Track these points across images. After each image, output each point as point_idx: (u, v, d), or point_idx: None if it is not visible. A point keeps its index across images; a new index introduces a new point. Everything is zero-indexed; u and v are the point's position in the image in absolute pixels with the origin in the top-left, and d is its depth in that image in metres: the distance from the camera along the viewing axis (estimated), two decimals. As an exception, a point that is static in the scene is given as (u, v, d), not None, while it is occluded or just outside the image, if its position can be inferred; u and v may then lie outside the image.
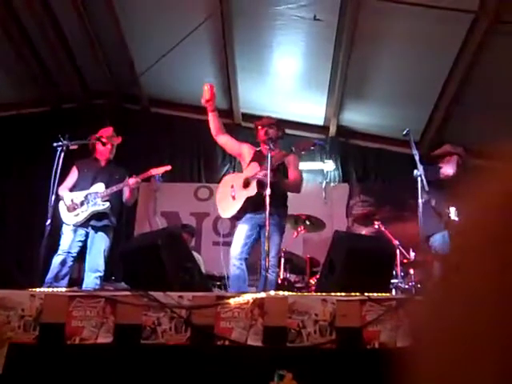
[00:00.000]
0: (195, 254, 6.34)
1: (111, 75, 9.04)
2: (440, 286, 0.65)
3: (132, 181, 5.86)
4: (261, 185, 5.06)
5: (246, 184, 5.24)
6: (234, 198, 5.33)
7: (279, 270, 6.64)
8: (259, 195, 4.97)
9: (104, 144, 6.06)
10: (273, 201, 4.78)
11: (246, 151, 5.64)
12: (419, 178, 4.95)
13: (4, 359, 3.04)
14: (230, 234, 8.33)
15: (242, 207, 5.22)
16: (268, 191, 4.69)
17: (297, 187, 5.51)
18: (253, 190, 5.15)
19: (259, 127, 5.65)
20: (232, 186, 5.40)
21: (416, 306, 0.71)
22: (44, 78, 8.96)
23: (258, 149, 5.65)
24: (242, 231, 5.23)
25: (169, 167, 6.15)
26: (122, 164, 6.34)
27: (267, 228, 4.57)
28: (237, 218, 5.37)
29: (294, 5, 6.98)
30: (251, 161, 5.48)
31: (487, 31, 6.61)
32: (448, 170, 5.76)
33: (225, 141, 5.70)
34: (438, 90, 7.90)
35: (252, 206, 5.13)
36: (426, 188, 4.98)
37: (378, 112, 8.87)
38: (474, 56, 7.03)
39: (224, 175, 8.46)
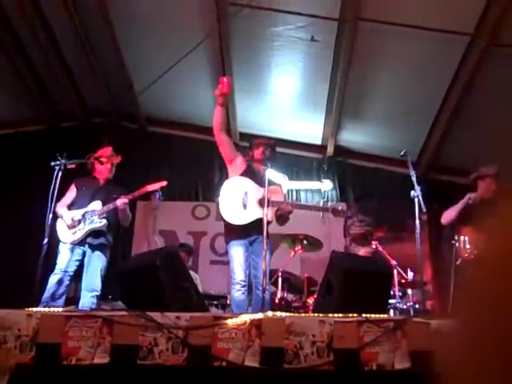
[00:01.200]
0: (192, 273, 6.32)
1: (109, 94, 9.06)
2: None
3: (119, 201, 5.82)
4: (279, 217, 5.25)
5: (263, 204, 5.05)
6: (245, 207, 5.25)
7: (277, 290, 6.64)
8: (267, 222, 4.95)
9: (102, 163, 6.06)
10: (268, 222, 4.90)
11: (239, 161, 5.59)
12: (416, 199, 4.95)
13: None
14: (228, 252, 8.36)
15: (251, 223, 5.16)
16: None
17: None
18: (270, 216, 5.08)
19: (258, 146, 5.68)
20: (246, 194, 5.31)
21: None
22: (42, 97, 8.99)
23: (250, 164, 5.62)
24: (240, 254, 5.19)
25: (164, 183, 6.12)
26: (120, 182, 6.32)
27: (264, 247, 4.60)
28: (234, 233, 5.27)
29: (292, 26, 7.04)
30: (243, 174, 5.45)
31: (483, 53, 6.67)
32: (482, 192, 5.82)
33: (226, 140, 5.54)
34: (436, 110, 7.95)
35: (257, 227, 5.02)
36: (424, 209, 4.99)
37: (376, 132, 8.91)
38: (471, 77, 7.08)
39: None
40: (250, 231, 5.20)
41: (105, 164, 6.10)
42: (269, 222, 4.97)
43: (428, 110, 8.02)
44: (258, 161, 5.55)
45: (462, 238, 5.48)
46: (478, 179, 5.94)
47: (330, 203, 8.76)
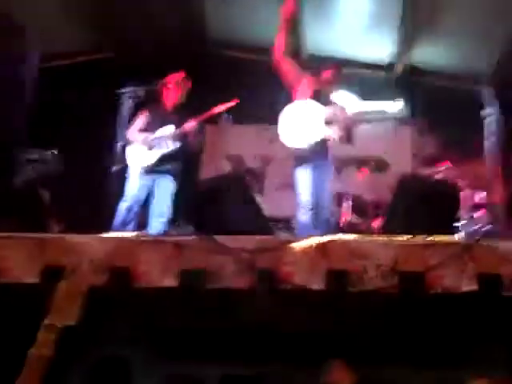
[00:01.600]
0: (259, 197, 6.37)
1: (179, 17, 8.95)
2: None
3: (187, 125, 5.85)
4: (346, 131, 5.15)
5: (329, 122, 5.09)
6: (305, 128, 5.16)
7: (343, 212, 6.64)
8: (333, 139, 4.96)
9: (171, 90, 6.06)
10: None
11: (305, 83, 5.47)
12: (488, 118, 4.78)
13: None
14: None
15: (317, 143, 5.09)
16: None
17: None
18: (336, 133, 5.04)
19: (327, 67, 5.63)
20: (309, 115, 5.22)
21: None
22: (108, 23, 8.97)
23: (317, 86, 5.50)
24: (306, 177, 5.15)
25: (233, 103, 6.08)
26: (189, 107, 6.33)
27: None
28: (301, 156, 5.22)
29: None
30: (311, 96, 5.34)
31: None
32: None
33: (288, 66, 5.45)
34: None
35: (324, 148, 5.01)
36: (495, 128, 4.82)
37: (449, 48, 8.53)
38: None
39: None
40: (315, 153, 5.13)
41: (174, 90, 6.10)
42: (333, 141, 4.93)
43: (505, 22, 7.59)
44: (327, 82, 5.45)
45: None
46: None
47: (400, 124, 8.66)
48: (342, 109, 5.26)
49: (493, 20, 7.55)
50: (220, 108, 6.02)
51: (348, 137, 5.39)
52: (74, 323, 3.10)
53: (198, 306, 3.35)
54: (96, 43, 9.45)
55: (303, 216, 5.09)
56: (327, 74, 5.51)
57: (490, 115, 4.75)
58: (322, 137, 5.06)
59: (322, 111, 5.18)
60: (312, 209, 5.06)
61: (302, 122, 5.19)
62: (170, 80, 6.10)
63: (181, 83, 6.11)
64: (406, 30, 8.15)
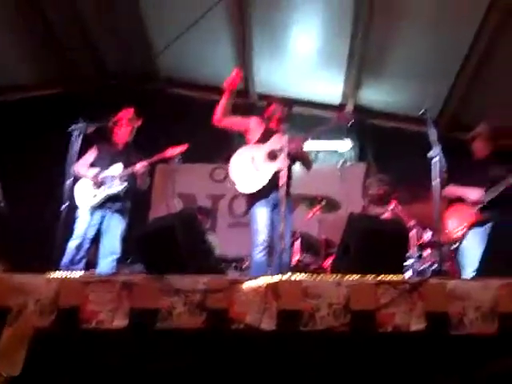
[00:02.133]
0: (210, 236, 6.36)
1: (129, 56, 8.99)
2: None
3: (139, 165, 5.85)
4: (292, 158, 5.13)
5: (273, 156, 5.12)
6: (257, 169, 5.21)
7: (294, 252, 6.66)
8: (288, 169, 4.97)
9: (122, 127, 6.04)
10: (289, 180, 4.93)
11: (254, 125, 5.56)
12: (435, 158, 4.89)
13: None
14: (246, 214, 8.36)
15: (270, 181, 5.07)
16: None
17: (311, 165, 5.62)
18: (282, 163, 4.90)
19: (273, 104, 5.68)
20: (253, 159, 5.28)
21: None
22: (58, 59, 8.93)
23: (267, 125, 5.57)
24: (263, 215, 5.15)
25: (184, 147, 6.10)
26: (138, 145, 6.31)
27: (282, 209, 4.60)
28: (258, 195, 5.22)
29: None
30: (260, 138, 5.43)
31: (509, 4, 6.50)
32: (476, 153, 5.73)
33: (230, 122, 5.53)
34: (459, 65, 7.79)
35: (277, 182, 4.84)
36: (444, 168, 4.93)
37: (396, 90, 8.80)
38: (495, 31, 6.91)
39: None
40: (270, 190, 5.09)
41: (125, 127, 6.08)
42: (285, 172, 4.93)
43: (451, 64, 7.86)
44: (275, 120, 5.51)
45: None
46: (472, 140, 5.81)
47: (348, 163, 8.79)
48: (278, 138, 5.26)
49: (438, 63, 7.81)
50: (172, 152, 6.02)
51: (300, 160, 5.46)
52: (19, 372, 3.01)
53: (149, 346, 3.29)
54: (46, 78, 9.38)
55: (258, 255, 5.07)
56: (275, 115, 5.57)
57: (436, 156, 4.85)
58: (271, 171, 5.07)
59: (264, 148, 5.24)
60: (266, 248, 5.06)
61: (251, 166, 5.27)
62: (121, 117, 6.09)
63: (131, 121, 6.12)
64: (353, 71, 8.34)
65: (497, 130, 5.79)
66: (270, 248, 5.10)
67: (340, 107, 9.40)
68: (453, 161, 5.42)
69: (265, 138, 5.42)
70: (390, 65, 8.24)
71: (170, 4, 7.78)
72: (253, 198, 5.29)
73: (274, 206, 5.12)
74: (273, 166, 5.09)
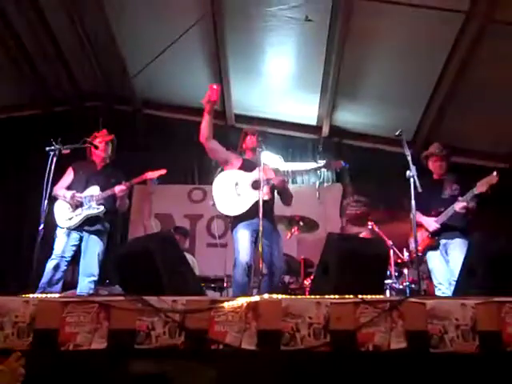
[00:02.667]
0: (189, 256, 6.33)
1: (103, 77, 9.01)
2: None
3: (118, 189, 5.83)
4: (273, 191, 5.24)
5: (257, 186, 5.14)
6: (239, 195, 5.28)
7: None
8: (268, 201, 5.12)
9: (97, 147, 6.03)
10: (272, 208, 5.17)
11: (233, 158, 5.62)
12: (412, 179, 4.93)
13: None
14: (224, 235, 8.36)
15: (250, 209, 5.15)
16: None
17: (291, 201, 5.65)
18: (265, 195, 5.09)
19: (248, 134, 5.71)
20: (237, 184, 5.34)
21: None
22: (35, 81, 8.92)
23: (244, 157, 5.64)
24: (245, 237, 5.18)
25: (164, 171, 6.11)
26: (116, 165, 6.29)
27: (260, 228, 4.65)
28: (239, 218, 5.27)
29: (286, 6, 7.00)
30: (241, 168, 5.49)
31: (478, 31, 6.64)
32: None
33: (215, 146, 5.53)
34: (431, 89, 7.93)
35: (257, 210, 4.89)
36: (419, 189, 4.98)
37: (371, 112, 8.89)
38: (466, 55, 7.06)
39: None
40: (252, 215, 5.08)
41: (103, 148, 6.07)
42: (267, 202, 5.09)
43: (423, 88, 8.01)
44: (251, 149, 5.56)
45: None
46: (426, 158, 5.97)
47: (325, 184, 8.83)
48: (266, 169, 5.31)
49: (411, 87, 7.94)
50: (153, 174, 6.01)
51: (281, 193, 5.52)
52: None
53: (128, 368, 3.24)
54: (23, 100, 9.36)
55: (239, 276, 5.08)
56: (250, 141, 5.62)
57: (414, 175, 4.90)
58: (253, 199, 5.10)
59: (250, 177, 5.28)
60: (246, 268, 5.07)
61: (230, 191, 5.32)
62: (98, 139, 6.09)
63: (109, 142, 6.11)
64: (327, 94, 8.42)
65: (448, 148, 5.91)
66: (250, 269, 5.10)
67: (316, 128, 9.48)
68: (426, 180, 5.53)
69: (245, 168, 5.47)
70: (364, 88, 8.34)
71: (145, 27, 7.81)
72: (234, 221, 5.33)
73: (256, 233, 5.08)
74: (255, 194, 5.11)
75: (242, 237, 5.18)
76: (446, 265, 5.46)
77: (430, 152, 5.91)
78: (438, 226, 5.56)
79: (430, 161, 5.91)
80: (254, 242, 5.18)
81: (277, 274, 5.22)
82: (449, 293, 5.20)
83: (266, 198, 5.12)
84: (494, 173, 5.26)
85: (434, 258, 5.59)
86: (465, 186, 5.58)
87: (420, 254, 5.51)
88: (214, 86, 5.33)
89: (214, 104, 5.40)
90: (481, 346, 3.12)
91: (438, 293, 5.37)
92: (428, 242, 5.63)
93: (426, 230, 5.62)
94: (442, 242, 5.55)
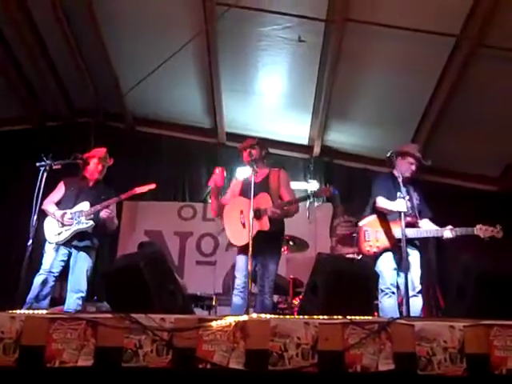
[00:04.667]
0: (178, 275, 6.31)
1: (96, 94, 9.02)
2: None
3: (103, 214, 5.84)
4: (272, 222, 5.29)
5: (258, 215, 5.27)
6: (243, 225, 5.41)
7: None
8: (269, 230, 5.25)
9: (88, 163, 6.04)
10: (273, 233, 5.29)
11: (236, 189, 5.83)
12: (402, 200, 4.94)
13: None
14: (213, 253, 8.36)
15: (253, 238, 5.10)
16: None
17: (294, 213, 5.71)
18: (266, 225, 5.28)
19: (242, 150, 5.81)
20: (241, 212, 5.45)
21: None
22: (28, 96, 8.93)
23: (245, 177, 5.81)
24: (242, 260, 5.39)
25: (153, 185, 6.12)
26: (106, 182, 6.29)
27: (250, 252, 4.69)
28: (242, 248, 5.42)
29: (279, 26, 7.05)
30: (241, 190, 5.69)
31: (469, 54, 6.71)
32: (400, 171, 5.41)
33: (224, 206, 5.78)
34: (422, 111, 7.99)
35: (260, 238, 5.08)
36: (409, 211, 5.00)
37: (362, 133, 8.93)
38: (457, 79, 7.12)
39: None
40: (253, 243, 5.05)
41: (96, 165, 6.08)
42: (266, 231, 5.23)
43: (414, 110, 8.06)
44: (249, 163, 5.56)
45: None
46: (398, 156, 5.50)
47: (316, 204, 8.84)
48: (263, 197, 5.42)
49: (402, 109, 8.00)
50: (142, 189, 6.02)
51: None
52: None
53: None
54: (15, 114, 9.35)
55: (234, 297, 5.30)
56: (245, 155, 5.70)
57: (405, 197, 4.92)
58: (255, 232, 5.14)
59: (254, 205, 5.29)
60: (242, 291, 5.24)
61: (236, 221, 5.48)
62: (92, 155, 6.11)
63: (102, 160, 6.12)
64: (319, 115, 8.46)
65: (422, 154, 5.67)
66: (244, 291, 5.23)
67: (308, 148, 9.51)
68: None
69: (244, 193, 5.60)
70: (356, 109, 8.39)
71: (138, 44, 7.84)
72: (239, 249, 5.52)
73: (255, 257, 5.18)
74: (256, 225, 5.21)
75: (239, 260, 5.46)
76: (396, 272, 5.27)
77: (406, 151, 5.61)
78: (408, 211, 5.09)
79: (402, 159, 5.55)
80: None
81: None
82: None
83: (266, 228, 5.26)
84: (499, 227, 5.08)
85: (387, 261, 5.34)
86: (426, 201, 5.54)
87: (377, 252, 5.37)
88: (217, 171, 5.62)
89: (220, 188, 5.74)
90: (468, 368, 3.12)
91: (383, 298, 5.19)
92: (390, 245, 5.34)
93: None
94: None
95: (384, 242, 5.35)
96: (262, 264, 5.32)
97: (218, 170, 5.62)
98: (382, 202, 5.40)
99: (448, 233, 5.21)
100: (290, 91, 8.39)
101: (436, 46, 6.78)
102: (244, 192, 5.56)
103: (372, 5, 6.53)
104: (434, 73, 7.25)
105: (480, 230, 5.09)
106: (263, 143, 5.95)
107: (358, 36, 6.97)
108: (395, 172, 5.37)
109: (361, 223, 5.59)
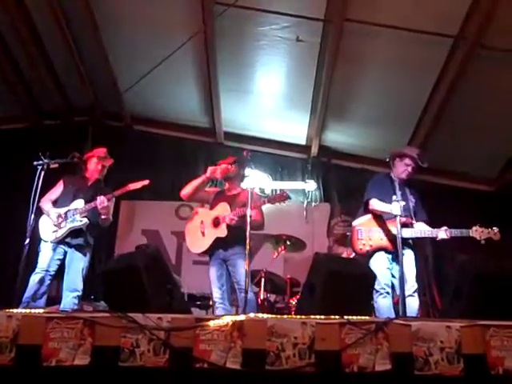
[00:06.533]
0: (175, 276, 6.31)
1: (94, 92, 9.02)
2: None
3: (99, 200, 5.77)
4: (229, 228, 5.50)
5: (216, 223, 5.61)
6: (203, 234, 5.73)
7: (259, 291, 6.64)
8: (227, 236, 5.51)
9: (85, 162, 6.04)
10: (237, 238, 5.34)
11: (211, 193, 6.10)
12: (397, 203, 4.92)
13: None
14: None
15: (210, 245, 5.63)
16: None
17: (260, 227, 5.83)
18: (223, 232, 5.54)
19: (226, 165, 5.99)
20: (202, 222, 5.77)
21: None
22: (25, 94, 8.91)
23: (219, 189, 6.15)
24: (213, 274, 5.66)
25: (146, 181, 6.09)
26: (104, 181, 6.28)
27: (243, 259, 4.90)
28: (204, 253, 5.78)
29: (278, 26, 7.04)
30: (214, 200, 5.93)
31: (467, 55, 6.70)
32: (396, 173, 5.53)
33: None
34: (419, 111, 7.98)
35: (220, 244, 5.58)
36: (404, 213, 5.00)
37: (360, 133, 8.92)
38: (455, 79, 7.11)
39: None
40: (214, 250, 5.66)
41: (96, 165, 6.09)
42: (224, 238, 5.52)
43: (412, 111, 8.05)
44: (226, 179, 6.01)
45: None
46: (396, 157, 5.57)
47: (313, 204, 8.85)
48: (222, 206, 5.71)
49: (400, 110, 8.00)
50: (136, 185, 6.00)
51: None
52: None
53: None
54: (12, 113, 9.33)
55: (216, 310, 5.62)
56: (230, 167, 5.93)
57: (398, 201, 4.90)
58: (213, 236, 5.63)
59: (208, 215, 5.82)
60: (222, 302, 5.53)
61: (196, 230, 5.85)
62: (93, 155, 6.11)
63: (102, 159, 6.12)
64: (317, 115, 8.46)
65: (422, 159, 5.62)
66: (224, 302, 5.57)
67: (305, 148, 9.51)
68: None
69: (215, 200, 5.95)
70: (354, 109, 8.38)
71: (135, 45, 7.82)
72: (209, 262, 5.81)
73: (225, 261, 5.64)
74: (215, 232, 5.62)
75: (211, 275, 5.69)
76: (390, 271, 5.29)
77: (404, 152, 5.61)
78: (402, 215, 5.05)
79: (400, 160, 5.57)
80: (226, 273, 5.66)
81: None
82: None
83: (223, 235, 5.53)
84: (496, 229, 5.08)
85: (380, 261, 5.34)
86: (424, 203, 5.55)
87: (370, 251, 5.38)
88: (223, 166, 5.85)
89: (216, 178, 6.11)
90: (465, 369, 3.12)
91: (378, 298, 5.18)
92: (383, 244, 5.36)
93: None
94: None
95: (377, 241, 5.35)
96: (230, 265, 5.57)
97: (223, 165, 5.87)
98: (376, 204, 5.45)
99: (442, 234, 5.21)
100: (288, 91, 8.38)
101: (434, 47, 6.77)
102: (212, 200, 5.95)
103: (370, 5, 6.52)
104: (432, 73, 7.25)
105: (476, 232, 5.08)
106: (241, 163, 6.00)
107: (356, 36, 6.97)
108: (392, 174, 5.40)
109: (354, 222, 5.59)
